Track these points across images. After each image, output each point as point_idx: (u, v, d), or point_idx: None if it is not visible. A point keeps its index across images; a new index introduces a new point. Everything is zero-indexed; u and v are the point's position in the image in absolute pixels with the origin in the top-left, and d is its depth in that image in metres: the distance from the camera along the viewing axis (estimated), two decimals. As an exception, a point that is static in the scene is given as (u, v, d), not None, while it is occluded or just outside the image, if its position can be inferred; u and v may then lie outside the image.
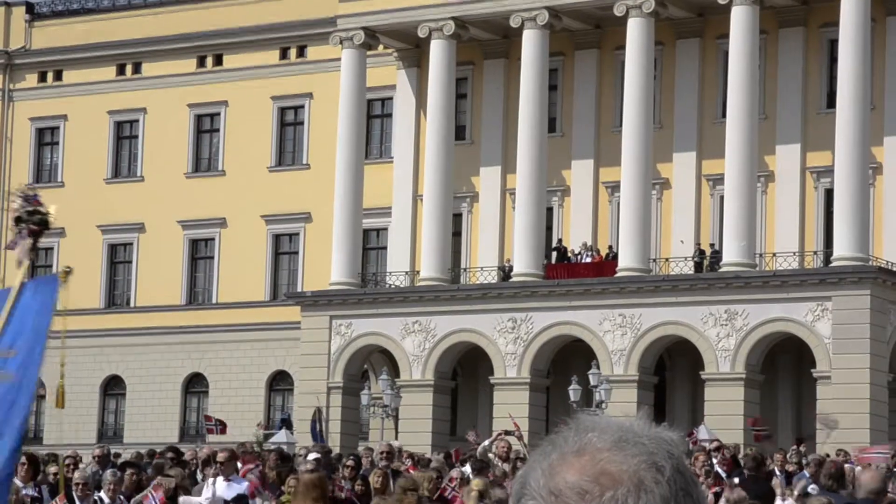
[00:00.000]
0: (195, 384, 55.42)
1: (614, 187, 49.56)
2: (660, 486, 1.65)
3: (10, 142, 59.41)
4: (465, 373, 50.71)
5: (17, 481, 18.59)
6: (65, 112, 58.49)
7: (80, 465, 22.50)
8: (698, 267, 47.74)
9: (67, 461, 23.42)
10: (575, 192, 51.11)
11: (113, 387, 56.31)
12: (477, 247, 52.00)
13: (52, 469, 20.95)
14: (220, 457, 18.71)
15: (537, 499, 1.62)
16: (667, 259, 48.37)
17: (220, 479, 18.43)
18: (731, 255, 46.06)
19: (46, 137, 59.42)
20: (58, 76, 59.01)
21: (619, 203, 48.82)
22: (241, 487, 18.30)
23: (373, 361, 51.07)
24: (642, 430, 1.69)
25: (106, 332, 55.62)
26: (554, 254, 49.93)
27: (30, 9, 60.00)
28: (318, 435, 42.50)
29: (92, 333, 54.66)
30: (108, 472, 19.29)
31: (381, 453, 25.51)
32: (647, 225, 47.79)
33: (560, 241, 50.48)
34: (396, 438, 42.25)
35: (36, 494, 18.98)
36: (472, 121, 52.87)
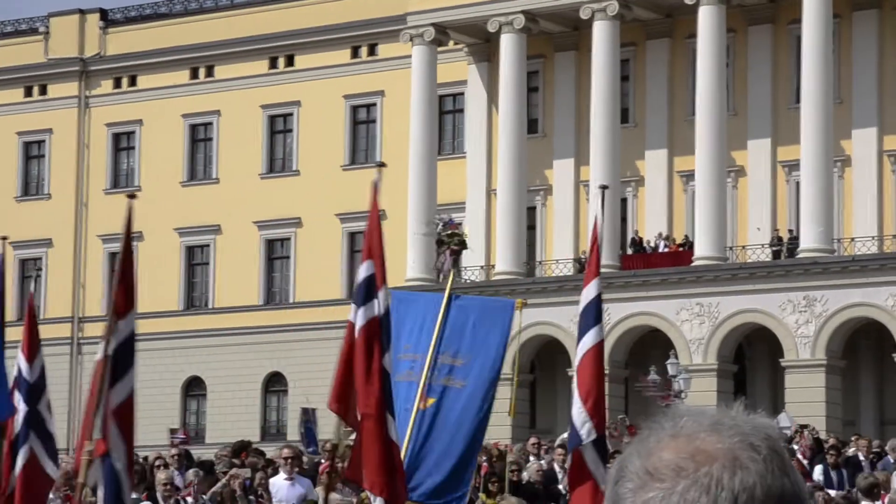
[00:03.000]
0: (275, 383, 55.77)
1: (689, 176, 49.33)
2: (755, 464, 1.67)
3: (88, 148, 60.07)
4: (544, 366, 50.66)
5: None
6: (140, 117, 59.05)
7: (163, 466, 22.70)
8: (776, 254, 47.40)
9: (157, 462, 23.60)
10: (649, 183, 50.91)
11: (194, 388, 56.82)
12: (552, 239, 51.93)
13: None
14: (286, 452, 18.79)
15: (633, 479, 1.64)
16: (743, 247, 48.07)
17: (281, 478, 18.49)
18: (809, 241, 45.69)
19: (122, 142, 60.03)
20: (132, 81, 59.59)
21: (694, 192, 48.57)
22: (302, 488, 18.28)
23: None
24: (737, 415, 1.71)
25: (185, 333, 56.11)
26: (630, 245, 49.78)
27: (104, 16, 60.62)
28: (313, 437, 39.80)
29: (172, 335, 55.19)
30: (191, 471, 19.47)
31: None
32: (723, 213, 47.51)
33: (636, 231, 50.33)
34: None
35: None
36: (543, 114, 52.82)
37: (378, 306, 10.38)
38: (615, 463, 1.68)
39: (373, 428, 10.32)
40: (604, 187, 16.32)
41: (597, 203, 13.91)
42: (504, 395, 54.12)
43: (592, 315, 11.46)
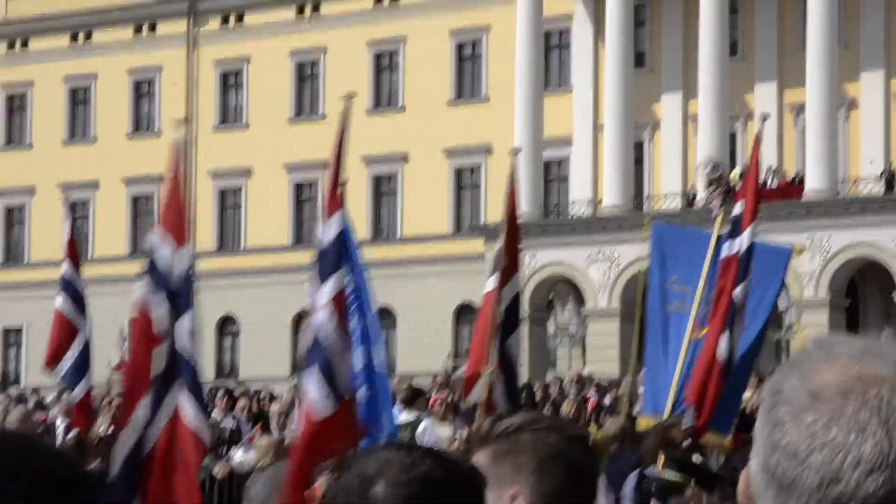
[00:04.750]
0: (384, 318, 56.08)
1: (799, 109, 48.70)
2: None
3: (196, 85, 60.59)
4: (651, 301, 50.50)
5: (216, 414, 19.15)
6: (248, 54, 59.41)
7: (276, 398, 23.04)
8: (888, 187, 46.72)
9: (265, 395, 24.00)
10: (759, 116, 50.26)
11: (385, 317, 55.93)
12: (659, 174, 51.62)
13: (241, 403, 21.49)
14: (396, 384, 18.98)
15: (793, 403, 1.59)
16: (855, 180, 47.44)
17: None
18: (923, 174, 44.97)
19: (231, 80, 60.44)
20: (239, 19, 59.91)
21: (804, 125, 47.97)
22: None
23: (557, 291, 51.15)
24: (887, 344, 1.66)
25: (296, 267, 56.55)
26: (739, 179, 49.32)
27: (211, -47, 60.94)
28: None
29: (279, 270, 55.66)
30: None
31: (572, 382, 25.70)
32: (834, 146, 46.88)
33: (745, 166, 49.79)
34: (584, 367, 42.37)
35: (233, 427, 19.52)
36: (651, 48, 52.35)
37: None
38: (765, 388, 1.64)
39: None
40: (765, 116, 16.20)
41: (759, 131, 14.07)
42: (610, 331, 53.77)
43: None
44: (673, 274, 13.04)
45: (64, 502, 1.62)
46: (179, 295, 9.11)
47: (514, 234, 11.37)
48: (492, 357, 10.96)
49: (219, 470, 16.88)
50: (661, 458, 6.86)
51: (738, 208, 12.60)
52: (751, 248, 12.21)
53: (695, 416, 11.91)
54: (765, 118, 16.02)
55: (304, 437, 8.55)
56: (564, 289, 50.54)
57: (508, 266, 11.12)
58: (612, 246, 48.74)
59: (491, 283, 11.17)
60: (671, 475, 6.91)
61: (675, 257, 13.15)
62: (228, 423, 19.30)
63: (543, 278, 50.17)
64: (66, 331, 13.56)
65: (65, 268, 13.77)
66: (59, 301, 13.70)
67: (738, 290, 12.04)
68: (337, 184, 9.95)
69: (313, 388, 8.63)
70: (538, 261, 49.81)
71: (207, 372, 56.15)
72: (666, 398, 12.26)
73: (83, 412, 13.79)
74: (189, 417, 8.75)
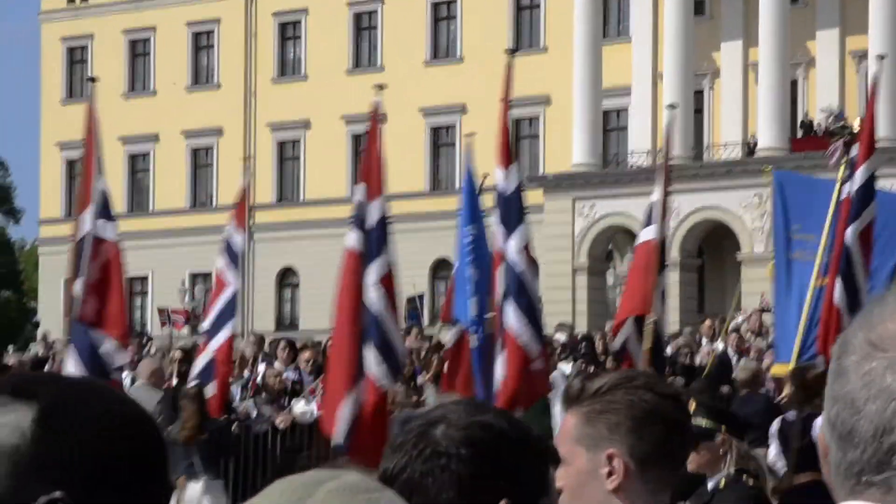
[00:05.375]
0: (441, 269, 56.16)
1: (861, 56, 48.21)
2: None
3: (255, 37, 60.69)
4: (711, 251, 50.32)
5: (278, 365, 19.31)
6: (305, 6, 59.42)
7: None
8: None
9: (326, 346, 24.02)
10: (820, 64, 49.88)
11: (441, 269, 56.02)
12: (719, 123, 51.31)
13: (306, 354, 21.62)
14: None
15: (857, 352, 1.60)
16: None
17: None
18: None
19: (289, 32, 60.50)
20: (298, -31, 59.94)
21: (866, 72, 47.46)
22: None
23: (617, 241, 51.06)
24: None
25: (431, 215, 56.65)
26: (799, 127, 48.96)
27: None
28: (417, 325, 40.89)
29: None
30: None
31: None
32: (899, 93, 46.38)
33: (805, 113, 49.45)
34: (643, 318, 42.30)
35: (296, 378, 19.67)
36: (711, -5, 51.94)
37: None
38: (837, 340, 1.66)
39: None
40: (882, 56, 15.91)
41: (873, 73, 14.00)
42: (669, 281, 53.40)
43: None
44: (796, 222, 13.04)
45: (130, 442, 1.71)
46: (373, 242, 9.51)
47: (668, 183, 11.71)
48: (655, 305, 10.97)
49: (281, 420, 17.05)
50: (693, 405, 6.84)
51: (853, 151, 12.50)
52: (864, 188, 11.99)
53: (824, 364, 11.90)
54: (882, 57, 15.71)
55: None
56: (623, 239, 50.44)
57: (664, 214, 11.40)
58: (672, 196, 48.40)
59: (650, 232, 11.24)
60: (702, 421, 6.90)
61: (797, 206, 13.14)
62: (291, 375, 19.43)
63: (602, 229, 50.07)
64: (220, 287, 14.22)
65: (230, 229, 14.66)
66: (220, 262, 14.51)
67: (849, 231, 11.87)
68: (507, 136, 10.36)
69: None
70: (597, 211, 49.71)
71: (268, 323, 56.78)
72: (793, 345, 12.30)
73: (224, 360, 14.25)
74: (372, 368, 9.13)
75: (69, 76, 63.80)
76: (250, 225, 59.10)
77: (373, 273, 9.49)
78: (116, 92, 62.61)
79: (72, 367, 10.13)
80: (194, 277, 58.66)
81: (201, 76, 61.71)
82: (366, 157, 10.21)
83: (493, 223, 10.20)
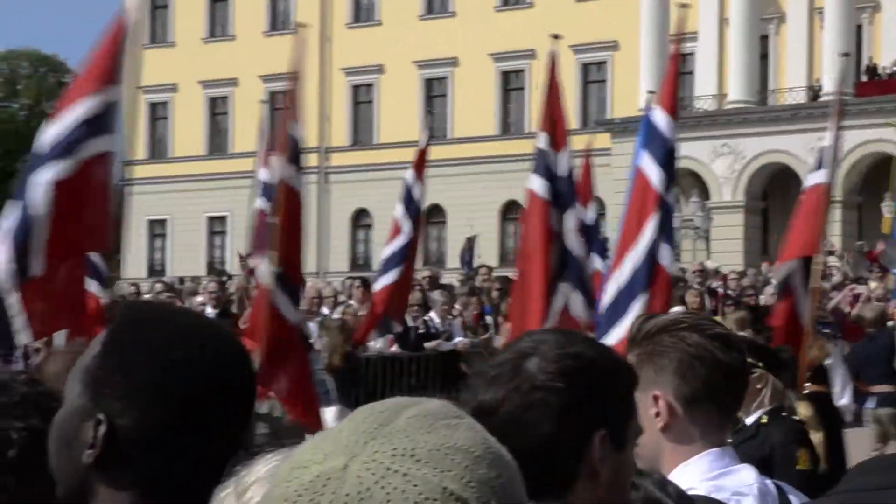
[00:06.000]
0: (511, 211, 57.21)
1: (927, 2, 48.53)
2: None
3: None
4: (776, 194, 51.06)
5: (353, 303, 20.47)
6: (379, -48, 60.39)
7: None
8: None
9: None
10: (886, 7, 50.26)
11: (511, 211, 56.80)
12: (784, 68, 51.86)
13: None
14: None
15: None
16: None
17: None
18: None
19: (364, -23, 61.51)
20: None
21: (930, 18, 47.84)
22: None
23: (683, 184, 51.90)
24: None
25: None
26: (864, 72, 49.44)
27: None
28: (468, 264, 42.50)
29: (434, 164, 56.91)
30: (437, 292, 21.16)
31: (695, 272, 26.45)
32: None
33: (870, 58, 49.92)
34: (709, 259, 43.28)
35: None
36: (778, -60, 52.31)
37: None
38: None
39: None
40: None
41: None
42: (735, 223, 54.05)
43: None
44: None
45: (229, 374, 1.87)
46: (563, 194, 9.95)
47: (840, 127, 11.69)
48: (825, 242, 11.44)
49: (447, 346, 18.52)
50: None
51: None
52: None
53: None
54: None
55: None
56: (689, 182, 51.30)
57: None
58: (737, 140, 49.35)
59: (820, 175, 11.36)
60: None
61: None
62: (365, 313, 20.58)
63: (669, 171, 50.81)
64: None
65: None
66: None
67: None
68: (675, 82, 10.05)
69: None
70: (664, 154, 50.45)
71: (342, 263, 58.03)
72: None
73: (381, 301, 15.38)
74: (577, 310, 9.51)
75: (152, 22, 65.16)
76: (325, 167, 60.61)
77: (570, 220, 9.96)
78: (196, 36, 64.08)
79: (287, 312, 9.86)
80: (211, 221, 61.37)
81: (278, 22, 62.86)
82: (547, 108, 10.33)
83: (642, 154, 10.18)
